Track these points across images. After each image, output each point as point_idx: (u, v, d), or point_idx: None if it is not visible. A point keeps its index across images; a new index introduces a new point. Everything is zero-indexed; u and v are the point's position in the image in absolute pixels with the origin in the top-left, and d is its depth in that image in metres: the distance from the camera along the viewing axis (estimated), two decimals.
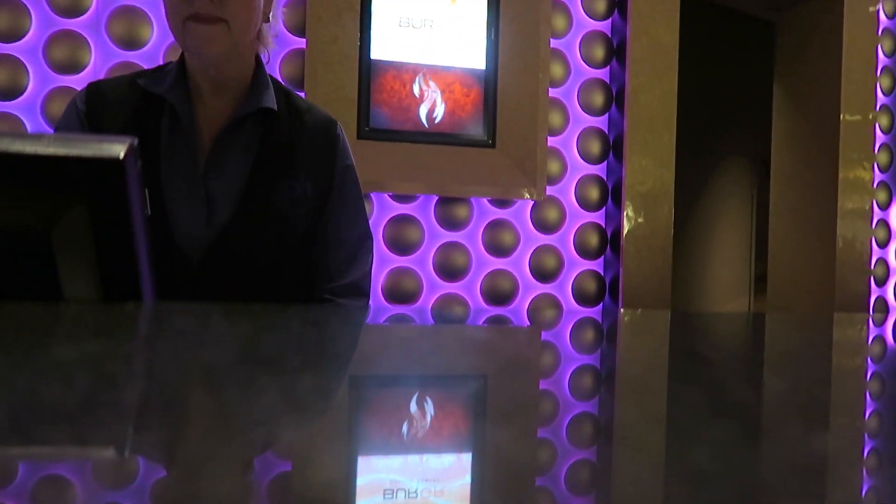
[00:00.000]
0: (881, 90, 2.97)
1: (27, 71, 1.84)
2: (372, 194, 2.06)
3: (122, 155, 0.59)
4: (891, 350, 0.66)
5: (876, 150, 2.96)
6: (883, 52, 2.96)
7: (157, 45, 1.90)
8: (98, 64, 1.88)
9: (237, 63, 1.02)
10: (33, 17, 1.85)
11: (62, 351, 0.42)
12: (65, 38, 1.86)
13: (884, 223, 3.00)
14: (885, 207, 3.00)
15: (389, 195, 2.07)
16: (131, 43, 1.90)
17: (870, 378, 0.49)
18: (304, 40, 1.98)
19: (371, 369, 0.45)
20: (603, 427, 0.32)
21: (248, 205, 1.01)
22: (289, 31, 2.00)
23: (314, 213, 1.06)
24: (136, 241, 0.65)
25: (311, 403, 0.32)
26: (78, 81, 1.83)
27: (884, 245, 3.00)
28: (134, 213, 0.63)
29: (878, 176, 2.98)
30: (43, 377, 0.34)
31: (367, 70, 2.02)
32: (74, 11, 1.87)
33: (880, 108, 2.97)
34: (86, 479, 0.23)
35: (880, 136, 2.98)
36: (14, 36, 1.84)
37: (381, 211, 2.07)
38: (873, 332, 0.81)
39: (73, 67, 1.86)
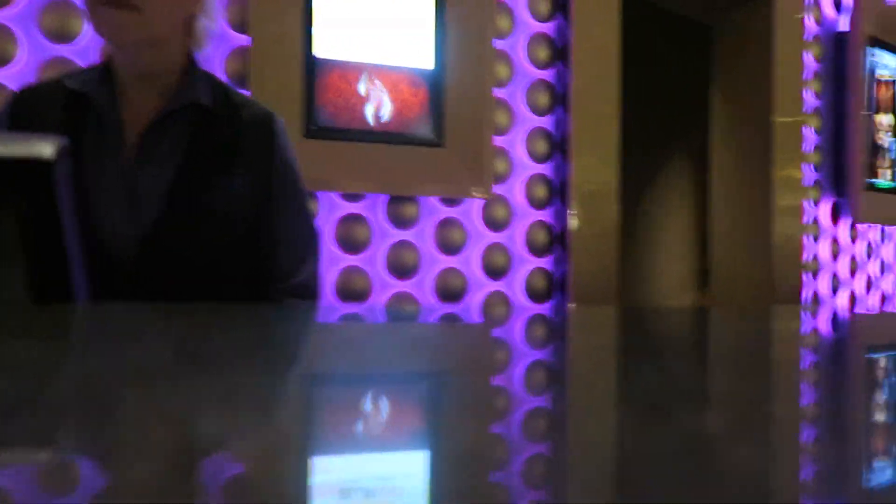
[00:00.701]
0: (812, 94, 3.09)
1: None
2: (319, 193, 2.03)
3: (51, 155, 0.58)
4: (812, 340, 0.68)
5: (809, 150, 3.08)
6: (813, 57, 3.09)
7: (92, 39, 1.84)
8: (28, 59, 1.81)
9: (158, 55, 0.99)
10: None
11: None
12: None
13: (816, 221, 3.13)
14: (816, 204, 3.13)
15: (338, 194, 2.05)
16: (63, 37, 1.83)
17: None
18: (249, 38, 1.95)
19: (322, 368, 0.44)
20: (552, 420, 0.32)
21: (178, 202, 0.98)
22: (232, 29, 1.96)
23: (254, 211, 1.03)
24: (67, 242, 0.63)
25: (259, 401, 0.31)
26: (6, 77, 1.76)
27: (816, 240, 3.13)
28: (64, 214, 0.61)
29: (812, 175, 3.10)
30: None
31: (312, 68, 2.00)
32: (2, 3, 1.79)
33: (813, 110, 3.10)
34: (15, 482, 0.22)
35: (812, 138, 3.10)
36: None
37: (329, 210, 2.05)
38: (804, 322, 0.84)
39: (1, 62, 1.78)
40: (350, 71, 2.04)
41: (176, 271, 0.98)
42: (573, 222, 2.25)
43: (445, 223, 2.15)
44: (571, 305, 2.24)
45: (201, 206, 0.99)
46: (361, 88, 2.05)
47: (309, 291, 1.10)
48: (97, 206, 0.96)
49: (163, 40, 0.98)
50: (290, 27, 1.96)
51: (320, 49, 2.01)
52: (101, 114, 0.98)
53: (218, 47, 1.95)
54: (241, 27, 1.96)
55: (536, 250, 2.25)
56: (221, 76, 1.94)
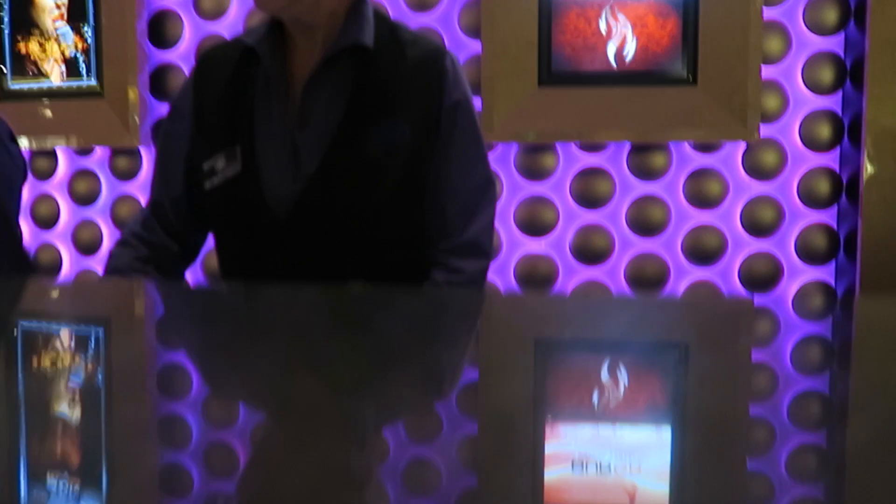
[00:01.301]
0: None
1: None
2: (557, 144, 1.92)
3: None
4: None
5: None
6: None
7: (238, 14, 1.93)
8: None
9: (312, 8, 0.95)
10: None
11: None
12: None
13: None
14: None
15: (576, 145, 1.92)
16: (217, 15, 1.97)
17: None
18: None
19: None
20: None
21: (335, 155, 0.94)
22: None
23: (414, 160, 0.96)
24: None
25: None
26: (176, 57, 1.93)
27: None
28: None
29: None
30: None
31: (548, 10, 1.86)
32: None
33: None
34: None
35: None
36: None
37: (567, 163, 1.93)
38: None
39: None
40: (589, 7, 1.87)
41: (329, 228, 0.95)
42: (867, 167, 1.83)
43: (699, 173, 1.90)
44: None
45: (358, 155, 0.94)
46: (602, 26, 1.87)
47: (478, 250, 1.00)
48: (261, 164, 0.97)
49: None
50: None
51: None
52: (268, 66, 0.98)
53: (453, 1, 1.92)
54: None
55: (815, 202, 1.89)
56: (455, 31, 1.91)
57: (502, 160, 1.93)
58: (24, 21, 2.14)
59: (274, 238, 0.97)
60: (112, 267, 1.05)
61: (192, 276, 2.00)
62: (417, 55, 0.98)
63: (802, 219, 1.89)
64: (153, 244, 1.06)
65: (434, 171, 0.98)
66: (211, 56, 1.06)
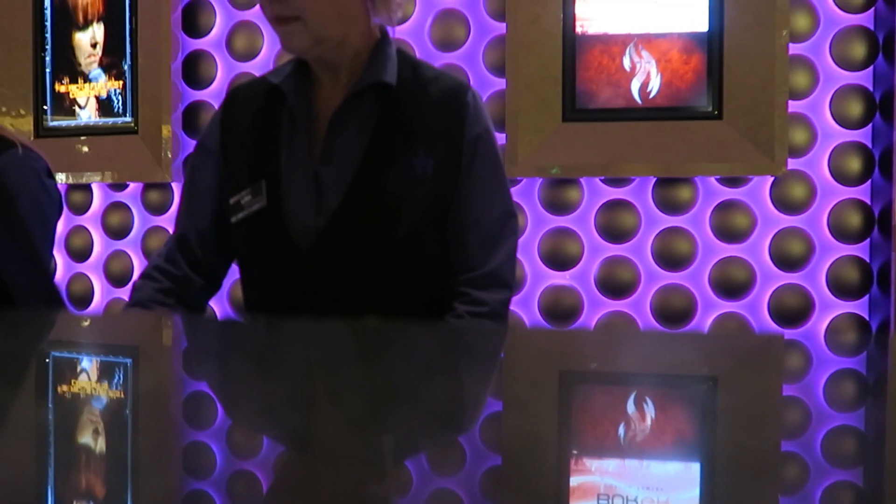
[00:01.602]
0: None
1: None
2: (582, 180, 1.92)
3: None
4: None
5: None
6: None
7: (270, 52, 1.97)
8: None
9: (336, 50, 0.98)
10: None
11: None
12: None
13: None
14: None
15: (601, 179, 1.92)
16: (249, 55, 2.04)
17: None
18: (504, 25, 1.90)
19: None
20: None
21: (358, 189, 0.96)
22: (489, 17, 1.94)
23: (436, 194, 0.97)
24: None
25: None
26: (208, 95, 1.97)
27: None
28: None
29: None
30: None
31: (572, 47, 1.88)
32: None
33: None
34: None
35: None
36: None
37: (591, 197, 1.93)
38: None
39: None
40: (613, 44, 1.88)
41: (349, 261, 0.96)
42: None
43: (726, 206, 1.88)
44: None
45: (381, 190, 0.96)
46: (626, 62, 1.88)
47: (500, 282, 1.00)
48: (286, 199, 0.99)
49: (334, 37, 0.97)
50: (549, 7, 1.87)
51: (582, 25, 1.89)
52: (293, 104, 1.01)
53: (477, 39, 1.95)
54: (497, 16, 1.93)
55: (846, 236, 1.86)
56: (480, 69, 1.94)
57: (527, 193, 1.94)
58: (64, 61, 2.22)
59: (298, 270, 0.98)
60: (135, 300, 1.07)
61: (219, 307, 2.02)
62: (439, 91, 1.00)
63: (833, 252, 1.86)
64: (176, 277, 1.07)
65: (456, 203, 0.99)
66: (238, 93, 1.09)
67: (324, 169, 0.99)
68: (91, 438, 0.31)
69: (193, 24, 2.13)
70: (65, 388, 0.45)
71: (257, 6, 2.07)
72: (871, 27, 1.84)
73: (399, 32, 1.95)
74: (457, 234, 1.00)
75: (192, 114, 2.13)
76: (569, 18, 1.88)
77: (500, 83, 1.92)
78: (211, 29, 2.12)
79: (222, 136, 1.06)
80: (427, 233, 0.98)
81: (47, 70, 2.23)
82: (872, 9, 1.84)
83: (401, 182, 0.96)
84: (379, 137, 0.98)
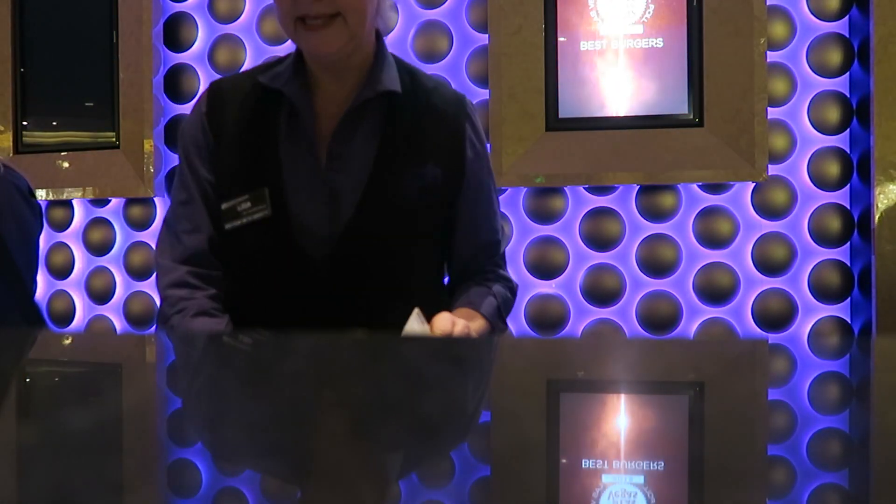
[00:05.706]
0: None
1: None
2: (566, 188, 1.94)
3: None
4: None
5: None
6: None
7: None
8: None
9: (356, 50, 0.96)
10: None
11: None
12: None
13: None
14: None
15: (584, 188, 1.93)
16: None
17: None
18: (487, 36, 1.92)
19: None
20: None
21: (372, 198, 0.95)
22: (472, 28, 1.96)
23: (442, 203, 1.00)
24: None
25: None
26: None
27: None
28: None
29: None
30: None
31: (554, 56, 1.90)
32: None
33: None
34: None
35: None
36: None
37: (576, 205, 1.94)
38: None
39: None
40: (596, 54, 1.90)
41: (365, 269, 0.96)
42: (878, 203, 1.83)
43: (708, 212, 1.90)
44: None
45: (394, 198, 0.96)
46: (608, 71, 1.90)
47: (504, 261, 1.10)
48: (292, 206, 0.95)
49: (363, 36, 0.95)
50: (531, 17, 1.89)
51: (563, 34, 1.90)
52: (294, 108, 0.97)
53: (461, 50, 1.96)
54: (479, 26, 1.94)
55: (827, 240, 1.88)
56: (464, 79, 1.95)
57: (511, 203, 1.94)
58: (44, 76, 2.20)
59: (308, 279, 0.96)
60: (196, 310, 0.96)
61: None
62: (441, 101, 1.01)
63: (815, 256, 1.88)
64: (218, 280, 1.00)
65: (460, 222, 1.03)
66: (222, 88, 1.03)
67: (335, 177, 0.97)
68: (72, 456, 0.30)
69: (175, 37, 2.12)
70: (48, 407, 0.44)
71: (239, 19, 2.08)
72: (847, 34, 1.87)
73: None
74: (465, 238, 1.05)
75: (174, 128, 2.12)
76: (551, 28, 1.89)
77: (483, 93, 1.93)
78: (193, 43, 2.11)
79: (212, 130, 0.99)
80: (436, 238, 1.03)
81: (27, 86, 2.21)
82: (847, 16, 1.87)
83: (413, 190, 0.96)
84: (386, 145, 0.97)
